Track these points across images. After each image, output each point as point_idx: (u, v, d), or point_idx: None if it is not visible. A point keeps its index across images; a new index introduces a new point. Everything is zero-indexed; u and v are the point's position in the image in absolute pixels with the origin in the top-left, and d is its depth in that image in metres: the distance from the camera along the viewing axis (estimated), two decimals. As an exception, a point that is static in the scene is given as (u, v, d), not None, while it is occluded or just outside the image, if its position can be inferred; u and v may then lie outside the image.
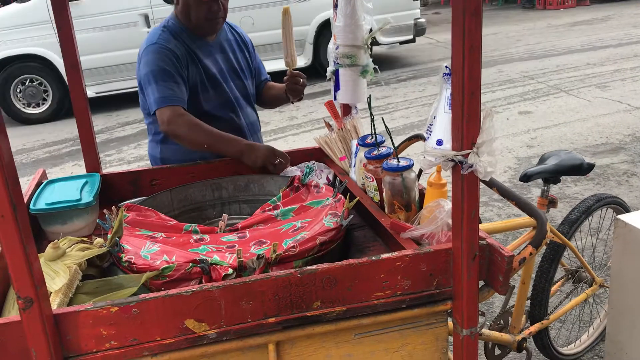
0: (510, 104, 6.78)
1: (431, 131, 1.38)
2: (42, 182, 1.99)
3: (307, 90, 2.44)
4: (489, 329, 2.41)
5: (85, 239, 1.65)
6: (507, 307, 2.49)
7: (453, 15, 1.22)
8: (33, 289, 1.17)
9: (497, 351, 2.48)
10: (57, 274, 1.42)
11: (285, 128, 6.57)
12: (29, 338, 1.19)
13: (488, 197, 4.38)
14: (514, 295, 2.46)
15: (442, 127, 1.35)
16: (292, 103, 2.48)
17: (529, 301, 2.54)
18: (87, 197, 1.84)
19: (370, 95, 1.92)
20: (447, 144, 1.32)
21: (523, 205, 1.66)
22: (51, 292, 1.38)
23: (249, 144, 2.17)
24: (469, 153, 1.26)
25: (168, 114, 2.13)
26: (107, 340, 1.27)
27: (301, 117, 6.93)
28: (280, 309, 1.35)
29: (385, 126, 1.70)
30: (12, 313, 1.40)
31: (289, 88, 2.38)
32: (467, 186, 1.30)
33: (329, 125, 2.25)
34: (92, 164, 2.12)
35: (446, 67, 1.36)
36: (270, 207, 1.88)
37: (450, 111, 1.29)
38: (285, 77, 2.37)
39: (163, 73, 2.16)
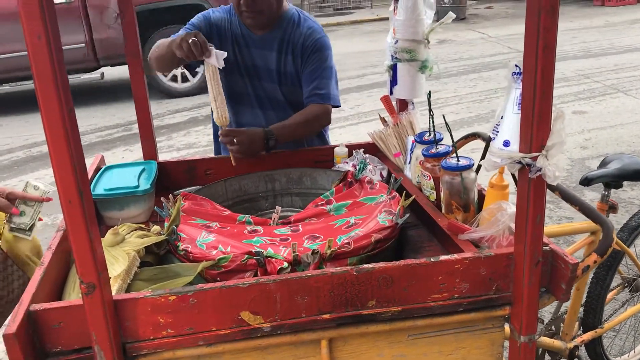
0: (564, 103, 6.58)
1: (498, 131, 1.34)
2: (101, 168, 2.03)
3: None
4: (540, 335, 2.35)
5: (143, 225, 1.67)
6: (559, 313, 2.42)
7: (528, 12, 1.18)
8: (96, 274, 1.19)
9: (547, 357, 2.42)
10: (117, 260, 1.44)
11: (331, 120, 6.54)
12: (90, 322, 1.22)
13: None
14: (567, 301, 2.38)
15: (510, 127, 1.30)
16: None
17: (582, 308, 2.47)
18: (145, 184, 1.87)
19: (430, 91, 1.88)
20: (515, 145, 1.28)
21: (587, 211, 1.60)
22: (110, 278, 1.40)
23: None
24: (538, 156, 1.21)
25: None
26: (164, 328, 1.29)
27: (348, 109, 6.89)
28: (335, 306, 1.34)
29: (446, 124, 1.66)
30: (72, 296, 1.43)
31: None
32: (533, 190, 1.26)
33: (384, 120, 2.22)
34: (149, 151, 2.15)
35: (516, 65, 1.31)
36: (323, 202, 1.87)
37: (519, 112, 1.25)
38: (220, 139, 2.10)
39: (188, 24, 2.27)
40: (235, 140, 2.04)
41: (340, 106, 2.34)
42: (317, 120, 2.29)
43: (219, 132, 2.08)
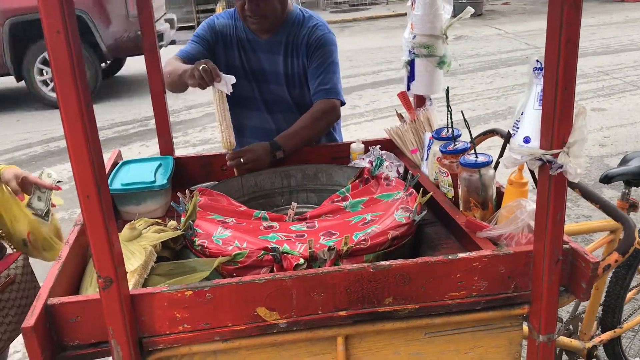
0: (582, 99, 6.49)
1: (518, 127, 1.32)
2: (118, 163, 2.04)
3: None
4: (558, 334, 2.32)
5: (160, 220, 1.68)
6: (577, 312, 2.39)
7: (550, 6, 1.16)
8: (113, 269, 1.19)
9: (565, 357, 2.39)
10: (133, 255, 1.45)
11: (347, 117, 6.53)
12: (107, 316, 1.22)
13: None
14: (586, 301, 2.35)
15: (531, 124, 1.28)
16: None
17: (601, 307, 2.44)
18: (162, 179, 1.87)
19: (448, 87, 1.86)
20: (535, 142, 1.26)
21: (608, 209, 1.58)
22: (127, 272, 1.41)
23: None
24: (559, 153, 1.19)
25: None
26: (180, 323, 1.29)
27: (364, 106, 6.87)
28: (351, 303, 1.33)
29: (465, 120, 1.64)
30: (90, 290, 1.44)
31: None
32: (554, 187, 1.24)
33: (400, 116, 2.20)
34: (166, 146, 2.16)
35: (537, 61, 1.29)
36: (339, 198, 1.86)
37: (540, 108, 1.23)
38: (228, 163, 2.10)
39: (193, 36, 2.30)
40: (242, 160, 2.05)
41: (345, 103, 2.32)
42: (324, 118, 2.25)
43: (226, 157, 2.08)
